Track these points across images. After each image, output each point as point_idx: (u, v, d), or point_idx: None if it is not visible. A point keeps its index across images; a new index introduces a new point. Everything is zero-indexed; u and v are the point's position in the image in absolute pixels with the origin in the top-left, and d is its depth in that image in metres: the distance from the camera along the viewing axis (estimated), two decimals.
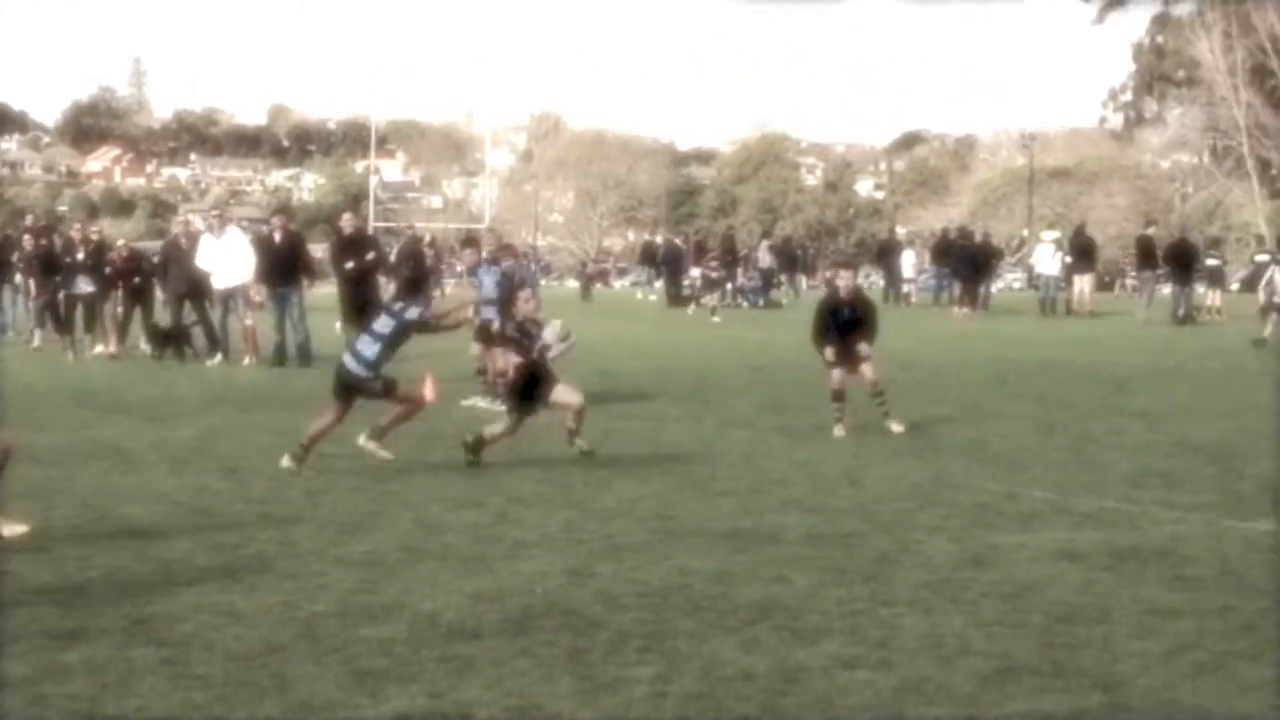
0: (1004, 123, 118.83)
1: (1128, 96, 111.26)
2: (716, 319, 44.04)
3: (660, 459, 15.81)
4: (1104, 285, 60.08)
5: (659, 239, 70.31)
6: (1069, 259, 46.96)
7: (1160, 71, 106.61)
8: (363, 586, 9.85)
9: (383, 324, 15.18)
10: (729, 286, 54.00)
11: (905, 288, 55.01)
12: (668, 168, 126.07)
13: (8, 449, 11.47)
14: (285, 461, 14.72)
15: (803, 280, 67.42)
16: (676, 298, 53.89)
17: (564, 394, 15.50)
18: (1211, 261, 48.56)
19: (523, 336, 15.52)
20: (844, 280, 18.20)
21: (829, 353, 17.72)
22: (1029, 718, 7.20)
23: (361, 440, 15.13)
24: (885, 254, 58.73)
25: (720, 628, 8.84)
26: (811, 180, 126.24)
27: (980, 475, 14.59)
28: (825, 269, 73.77)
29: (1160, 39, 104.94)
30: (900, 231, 75.54)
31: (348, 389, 15.07)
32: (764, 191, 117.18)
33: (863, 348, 17.64)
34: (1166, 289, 44.16)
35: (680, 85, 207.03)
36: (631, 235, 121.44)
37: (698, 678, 7.87)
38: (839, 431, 17.42)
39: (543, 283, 46.60)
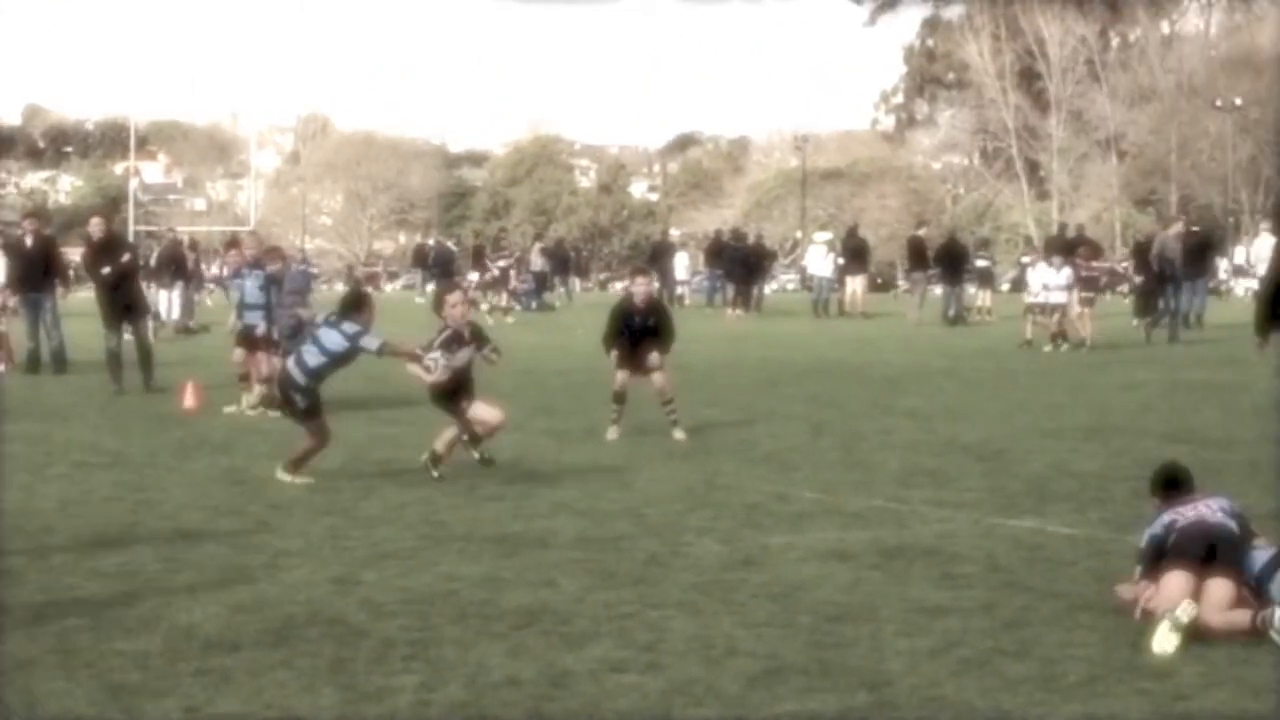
0: (777, 124, 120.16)
1: (899, 99, 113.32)
2: (510, 320, 43.96)
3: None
4: (877, 286, 60.94)
5: (431, 241, 69.81)
6: (841, 260, 47.53)
7: (931, 74, 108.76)
8: (117, 599, 9.52)
9: (333, 340, 14.30)
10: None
11: (679, 289, 55.28)
12: (439, 169, 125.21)
13: None
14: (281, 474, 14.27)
15: (576, 283, 67.45)
16: None
17: (484, 411, 15.04)
18: (981, 263, 49.49)
19: (452, 340, 14.86)
20: (640, 288, 18.03)
21: (615, 356, 17.59)
22: (797, 717, 7.17)
23: (278, 473, 14.36)
24: (658, 256, 58.96)
25: (487, 634, 8.70)
26: (585, 182, 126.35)
27: (751, 476, 14.62)
28: (599, 272, 74.03)
29: (931, 42, 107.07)
30: (674, 234, 76.05)
31: (286, 397, 14.52)
32: (537, 193, 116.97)
33: (653, 358, 17.49)
34: (939, 290, 44.89)
35: (451, 87, 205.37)
36: (403, 238, 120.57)
37: (463, 685, 7.72)
38: (612, 434, 17.35)
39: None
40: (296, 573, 10.34)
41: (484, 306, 46.78)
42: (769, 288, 57.87)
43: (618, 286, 70.58)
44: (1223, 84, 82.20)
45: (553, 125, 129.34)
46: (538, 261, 55.91)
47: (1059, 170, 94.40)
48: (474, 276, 53.04)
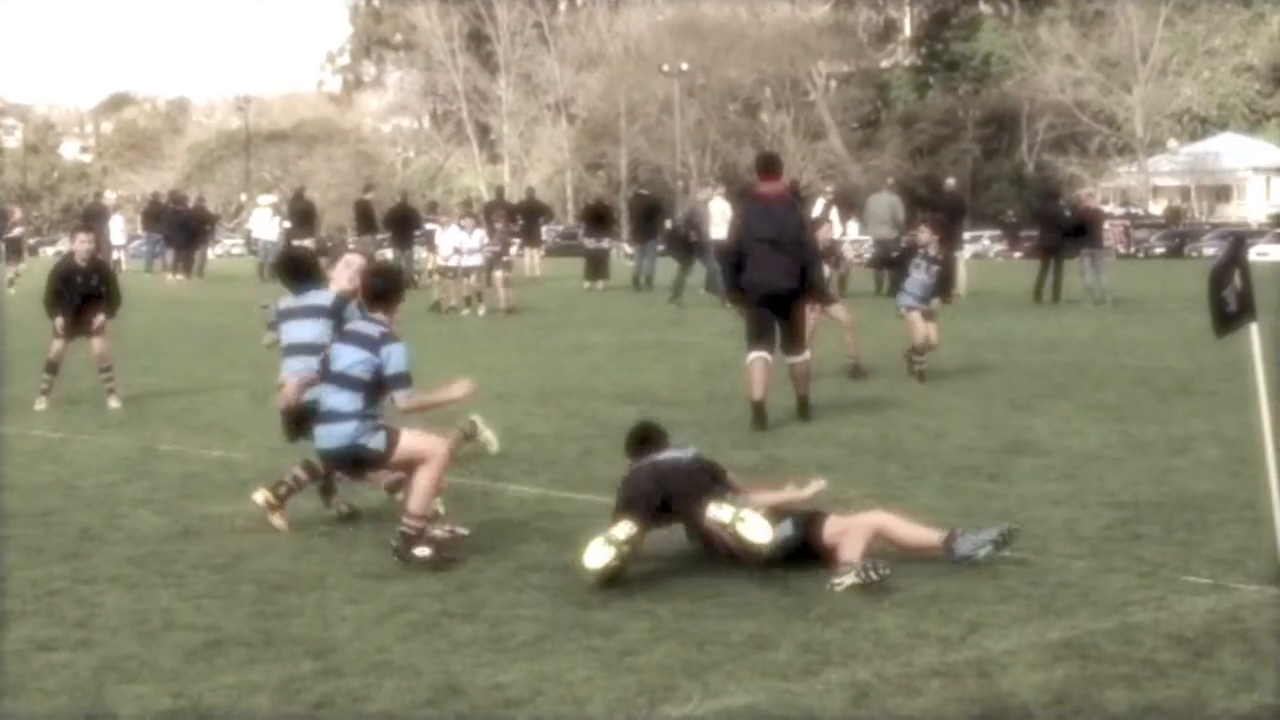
0: (218, 85, 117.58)
1: (345, 60, 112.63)
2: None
3: None
4: (324, 250, 60.33)
5: None
6: (288, 224, 46.82)
7: (378, 35, 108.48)
8: None
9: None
10: None
11: (115, 254, 53.42)
12: None
13: None
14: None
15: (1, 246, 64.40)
16: None
17: None
18: (430, 226, 49.44)
19: None
20: (81, 245, 17.10)
21: (59, 323, 16.71)
22: (238, 689, 6.89)
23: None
24: (93, 219, 56.75)
25: None
26: (11, 142, 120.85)
27: (193, 444, 14.15)
28: (29, 237, 70.73)
29: (377, 2, 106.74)
30: (109, 196, 73.46)
31: None
32: None
33: (99, 320, 16.73)
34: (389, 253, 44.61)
35: None
36: None
37: None
38: (42, 404, 16.53)
39: None
40: None
41: None
42: (213, 252, 56.61)
43: (49, 251, 67.96)
44: (670, 49, 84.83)
45: None
46: None
47: (510, 134, 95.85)
48: None
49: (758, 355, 15.00)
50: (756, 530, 8.56)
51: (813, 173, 77.51)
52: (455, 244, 31.97)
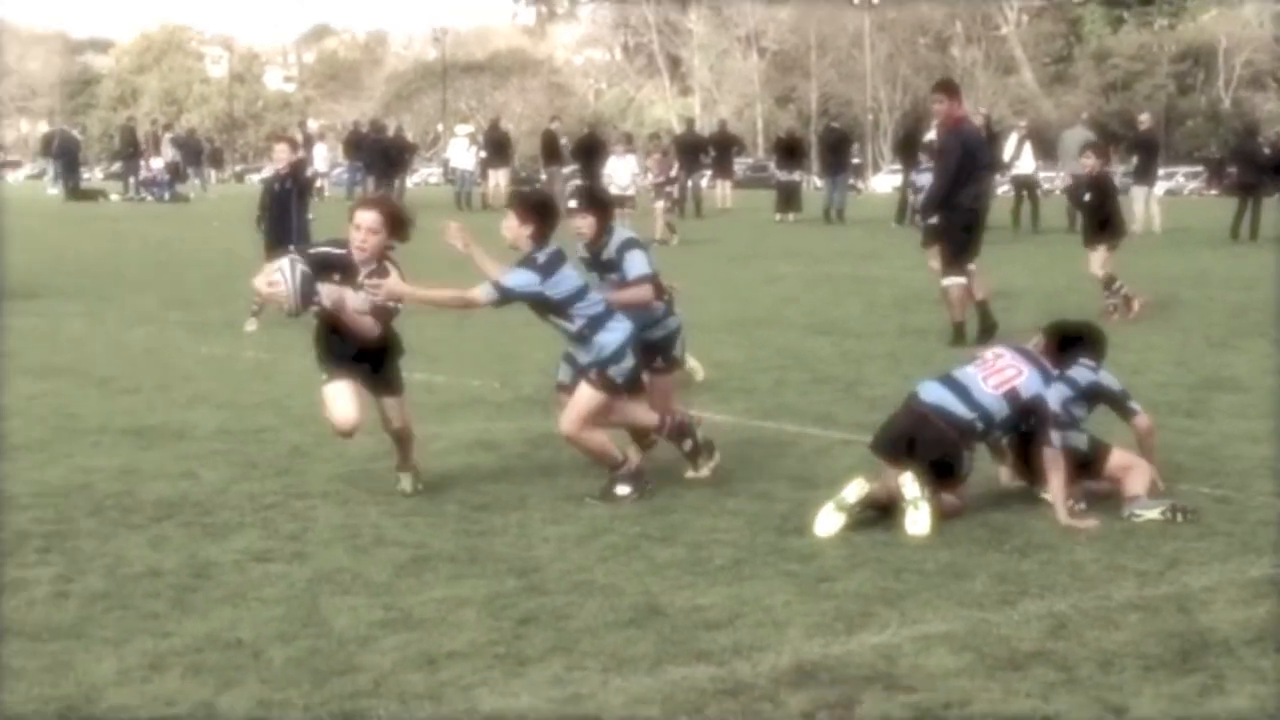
0: (413, 18, 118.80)
1: None
2: None
3: (59, 356, 15.06)
4: (519, 180, 60.86)
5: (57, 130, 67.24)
6: (484, 153, 47.28)
7: None
8: None
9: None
10: (132, 180, 52.44)
11: (318, 181, 54.33)
12: (61, 55, 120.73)
13: None
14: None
15: (211, 174, 65.82)
16: (75, 190, 51.98)
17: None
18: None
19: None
20: (280, 154, 18.00)
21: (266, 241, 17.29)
22: (446, 603, 7.11)
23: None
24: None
25: (125, 525, 8.45)
26: (217, 72, 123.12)
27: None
28: (234, 164, 72.16)
29: None
30: (312, 125, 74.67)
31: None
32: (166, 82, 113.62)
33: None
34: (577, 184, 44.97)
35: None
36: (25, 125, 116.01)
37: (103, 576, 7.49)
38: (251, 326, 16.98)
39: None
40: None
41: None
42: (410, 180, 57.31)
43: (253, 179, 69.16)
44: None
45: (181, 16, 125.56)
46: (169, 152, 54.41)
47: (701, 66, 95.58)
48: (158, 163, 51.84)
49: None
50: (915, 522, 8.39)
51: (1004, 108, 76.44)
52: (608, 172, 32.45)
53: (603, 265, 9.67)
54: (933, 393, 8.90)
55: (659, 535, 8.36)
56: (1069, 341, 9.17)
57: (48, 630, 6.69)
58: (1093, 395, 9.13)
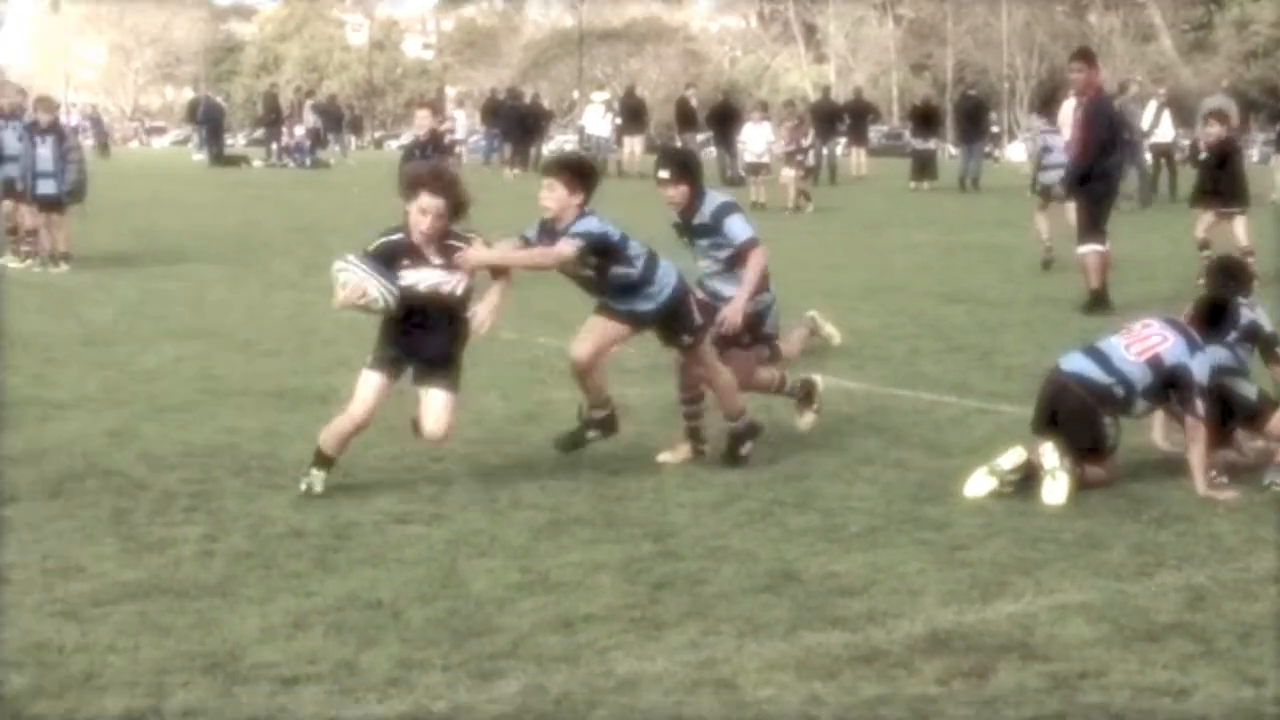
0: None
1: None
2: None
3: (202, 320, 15.33)
4: (654, 147, 60.94)
5: (201, 95, 68.16)
6: (619, 120, 47.36)
7: None
8: None
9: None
10: (274, 146, 53.10)
11: (457, 148, 54.65)
12: (206, 23, 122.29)
13: None
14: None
15: (351, 140, 66.44)
16: (219, 156, 52.76)
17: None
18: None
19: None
20: (421, 121, 18.38)
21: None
22: (583, 567, 7.19)
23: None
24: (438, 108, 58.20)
25: (269, 486, 8.61)
26: (357, 39, 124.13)
27: (531, 331, 14.53)
28: (374, 130, 72.75)
29: None
30: (450, 92, 75.15)
31: None
32: (308, 49, 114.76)
33: None
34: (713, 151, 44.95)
35: None
36: (170, 92, 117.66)
37: (246, 535, 7.64)
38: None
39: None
40: (71, 425, 10.10)
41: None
42: (546, 147, 57.54)
43: (392, 145, 69.68)
44: None
45: None
46: (310, 118, 55.00)
47: (836, 33, 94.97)
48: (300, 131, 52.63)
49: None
50: (1052, 492, 8.33)
51: (1142, 75, 75.29)
52: (743, 140, 32.46)
53: (694, 230, 9.67)
54: (1073, 362, 8.87)
55: (793, 502, 8.39)
56: (1218, 311, 9.04)
57: (194, 588, 6.86)
58: (1250, 335, 9.04)
